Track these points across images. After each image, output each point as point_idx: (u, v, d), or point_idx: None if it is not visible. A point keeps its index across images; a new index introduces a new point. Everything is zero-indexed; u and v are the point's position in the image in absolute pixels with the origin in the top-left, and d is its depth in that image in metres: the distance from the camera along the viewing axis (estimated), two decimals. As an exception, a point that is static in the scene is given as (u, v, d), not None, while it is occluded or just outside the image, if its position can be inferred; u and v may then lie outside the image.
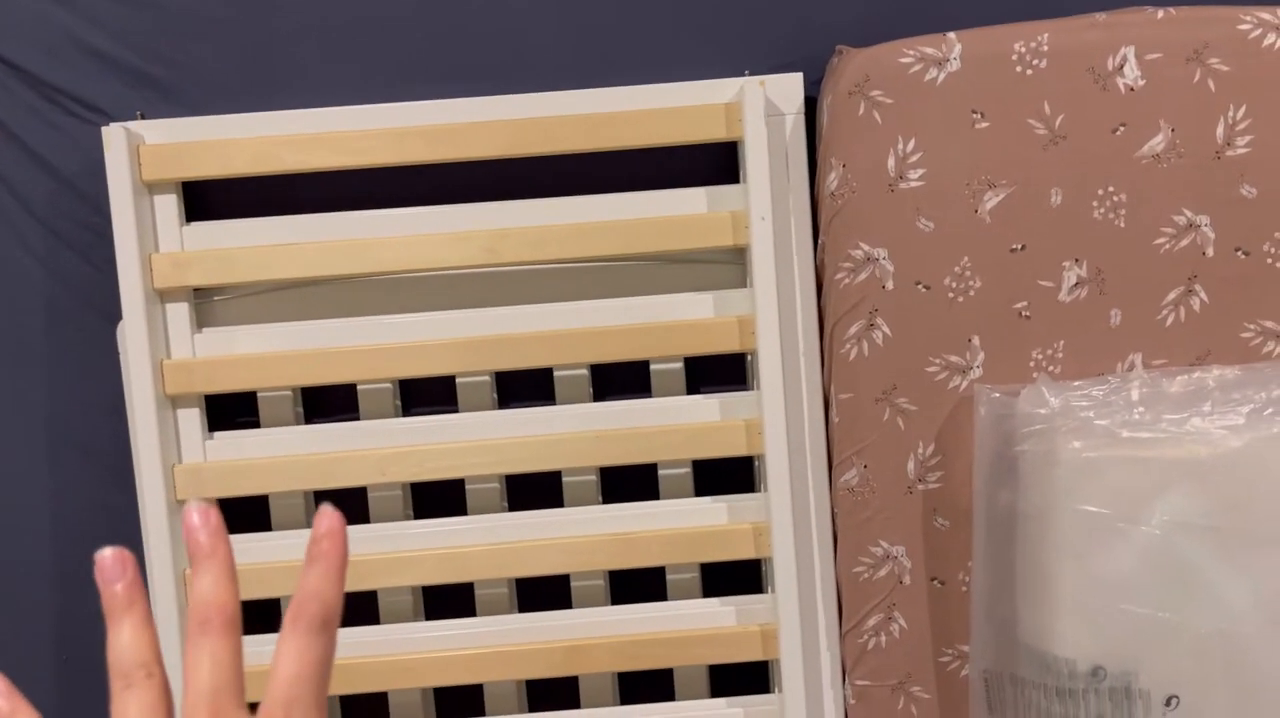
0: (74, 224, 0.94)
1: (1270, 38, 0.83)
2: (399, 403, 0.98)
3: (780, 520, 0.91)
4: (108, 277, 0.91)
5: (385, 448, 0.92)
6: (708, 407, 0.93)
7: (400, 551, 0.92)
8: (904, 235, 0.87)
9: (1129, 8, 0.85)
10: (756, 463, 0.97)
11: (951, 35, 0.85)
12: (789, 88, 0.90)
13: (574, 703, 0.97)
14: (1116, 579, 0.81)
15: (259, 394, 0.96)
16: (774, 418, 0.90)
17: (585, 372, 0.97)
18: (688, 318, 0.93)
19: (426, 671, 0.93)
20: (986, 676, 0.88)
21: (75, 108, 0.92)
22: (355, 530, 0.93)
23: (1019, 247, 0.87)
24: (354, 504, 0.97)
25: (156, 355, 0.90)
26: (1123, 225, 0.86)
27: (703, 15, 0.93)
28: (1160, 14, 0.84)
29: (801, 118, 0.91)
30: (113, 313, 0.91)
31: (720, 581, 0.98)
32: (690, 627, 0.94)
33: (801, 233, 0.92)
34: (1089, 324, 0.87)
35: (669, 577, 0.98)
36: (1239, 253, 0.86)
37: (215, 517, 0.39)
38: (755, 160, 0.88)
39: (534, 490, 0.97)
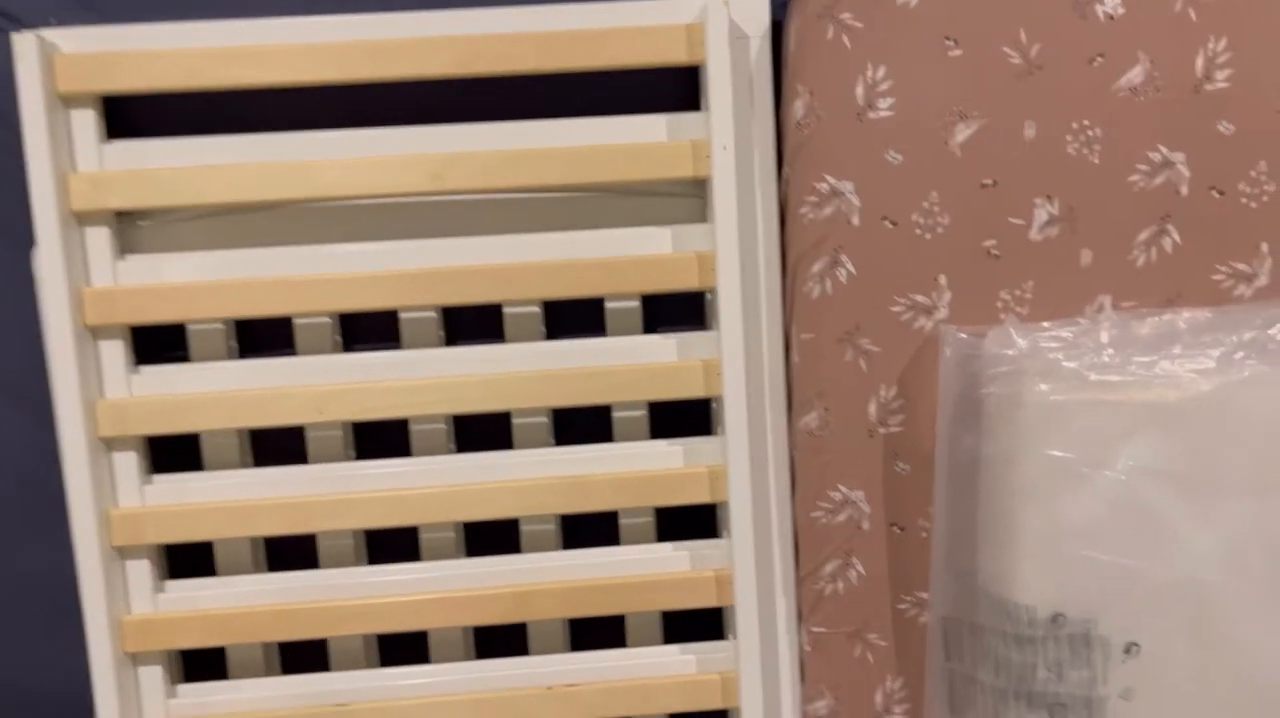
0: (-17, 140, 0.87)
1: (1255, -34, 0.80)
2: (339, 338, 0.93)
3: (737, 464, 0.87)
4: (21, 198, 0.84)
5: (324, 385, 0.87)
6: (664, 346, 0.90)
7: (341, 492, 0.88)
8: (871, 168, 0.83)
9: (1111, -68, 0.81)
10: (714, 405, 0.93)
11: (926, -44, 0.80)
12: (754, 9, 0.86)
13: (522, 650, 0.94)
14: (1080, 526, 0.79)
15: (188, 327, 0.90)
16: (733, 358, 0.87)
17: (537, 309, 0.93)
18: (645, 253, 0.88)
19: (369, 617, 0.89)
20: (945, 623, 0.87)
21: (-17, 13, 0.85)
22: (294, 472, 0.88)
23: (990, 182, 0.83)
24: (291, 444, 0.92)
25: (75, 283, 0.84)
26: (1097, 162, 0.83)
27: (665, -70, 0.87)
28: (1143, -61, 0.80)
29: (767, 42, 0.86)
30: (27, 238, 0.84)
31: (675, 525, 0.95)
32: (643, 572, 0.91)
33: (765, 164, 0.88)
34: (1059, 264, 0.85)
35: (622, 521, 0.95)
36: (1213, 192, 0.83)
37: None
38: (718, 86, 0.84)
39: (482, 432, 0.93)
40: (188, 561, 0.92)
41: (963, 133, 0.83)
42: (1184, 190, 0.83)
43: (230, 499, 0.87)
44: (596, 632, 0.96)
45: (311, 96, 0.87)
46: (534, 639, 0.96)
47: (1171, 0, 0.81)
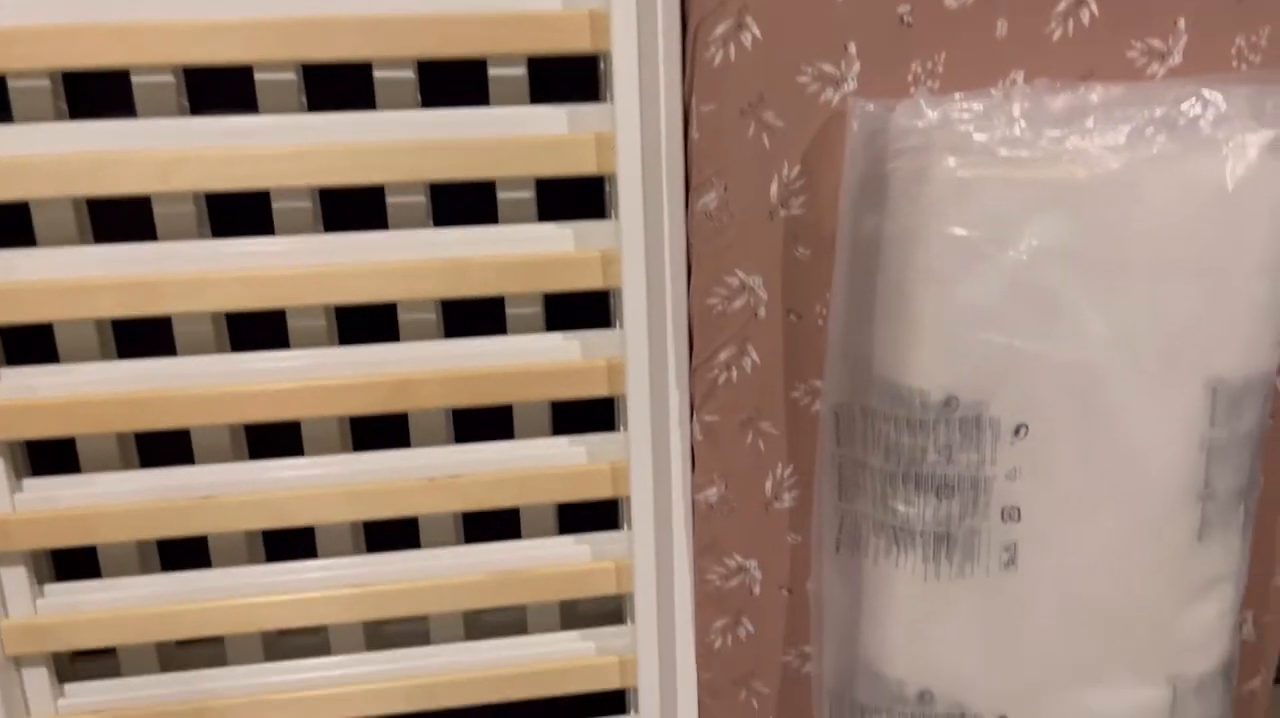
0: None
1: None
2: (185, 102, 0.83)
3: (631, 246, 0.82)
4: None
5: (169, 149, 0.77)
6: (554, 118, 0.82)
7: (195, 272, 0.80)
8: (782, -83, 0.76)
9: None
10: (607, 185, 0.87)
11: None
12: None
13: (404, 442, 0.90)
14: (978, 307, 0.77)
15: (8, 80, 0.79)
16: (628, 132, 0.80)
17: (410, 74, 0.84)
18: (530, 8, 0.80)
19: (230, 405, 0.82)
20: (838, 409, 0.85)
21: None
22: (138, 249, 0.80)
23: (908, -61, 0.77)
24: (135, 217, 0.83)
25: None
26: (1020, -79, 0.77)
27: None
28: None
29: None
30: None
31: (565, 315, 0.90)
32: (530, 361, 0.86)
33: (666, -85, 0.79)
34: (974, 34, 0.80)
35: (509, 311, 0.90)
36: (1136, -39, 0.79)
37: None
38: None
39: (353, 209, 0.85)
40: (22, 346, 0.84)
41: (882, -119, 0.76)
42: (1107, -43, 0.79)
43: (65, 278, 0.78)
44: (482, 425, 0.92)
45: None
46: (415, 434, 0.92)
47: None
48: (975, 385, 0.79)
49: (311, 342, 0.88)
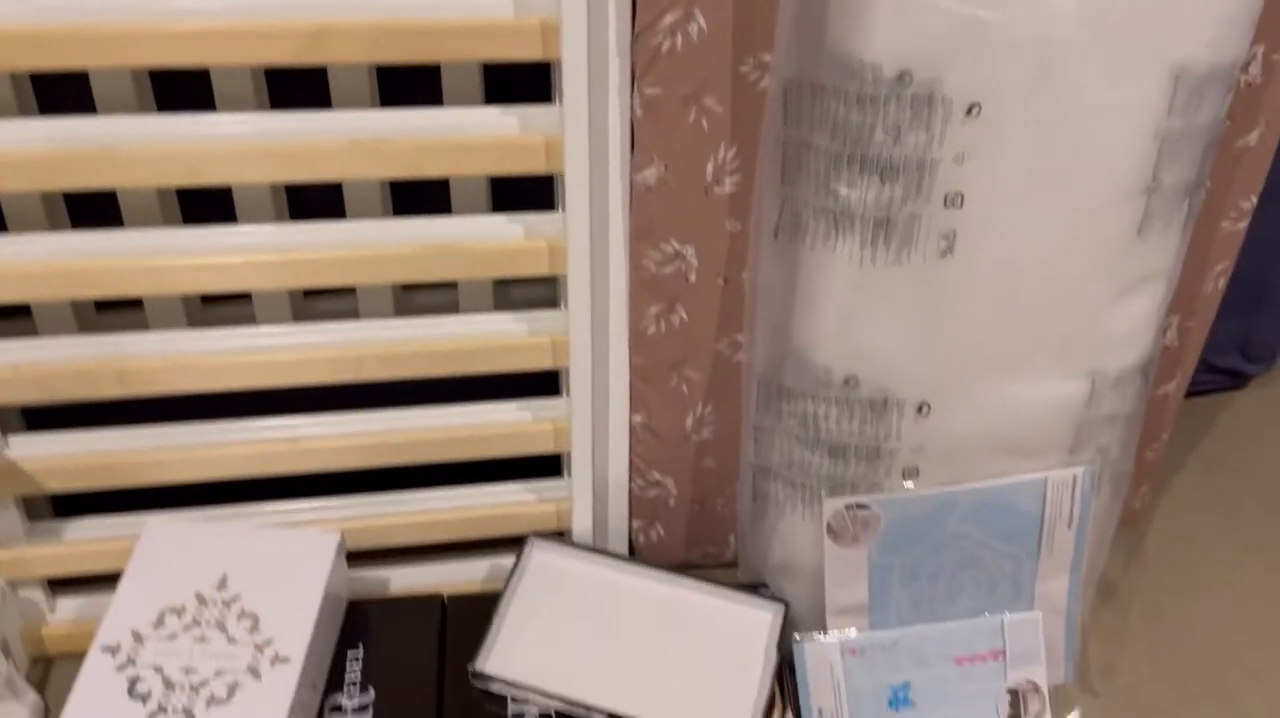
0: None
1: None
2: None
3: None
4: None
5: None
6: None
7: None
8: None
9: None
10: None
11: None
12: None
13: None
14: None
15: None
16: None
17: None
18: None
19: (131, 44, 0.75)
20: (786, 85, 0.81)
21: None
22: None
23: None
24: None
25: None
26: None
27: None
28: None
29: None
30: None
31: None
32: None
33: None
34: None
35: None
36: None
37: None
38: None
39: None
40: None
41: None
42: None
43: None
44: (407, 89, 0.86)
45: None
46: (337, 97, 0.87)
47: None
48: (931, 60, 0.74)
49: None
